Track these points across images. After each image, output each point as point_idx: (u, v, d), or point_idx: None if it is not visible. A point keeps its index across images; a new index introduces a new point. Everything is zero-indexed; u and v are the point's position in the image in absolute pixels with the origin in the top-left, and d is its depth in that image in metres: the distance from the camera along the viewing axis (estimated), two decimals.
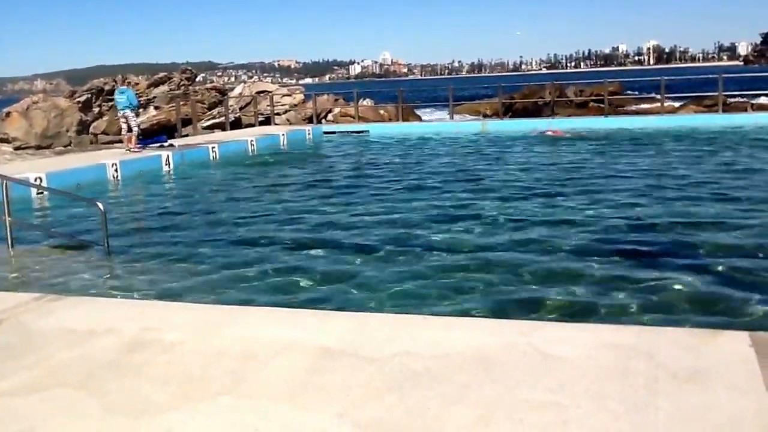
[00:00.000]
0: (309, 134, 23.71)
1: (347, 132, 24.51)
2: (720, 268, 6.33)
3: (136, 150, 17.40)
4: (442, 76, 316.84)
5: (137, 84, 30.39)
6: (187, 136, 24.00)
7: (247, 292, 6.26)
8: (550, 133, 20.58)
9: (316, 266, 6.99)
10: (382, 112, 30.00)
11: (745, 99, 27.40)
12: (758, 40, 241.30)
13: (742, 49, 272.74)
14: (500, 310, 5.36)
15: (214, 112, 29.43)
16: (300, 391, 3.29)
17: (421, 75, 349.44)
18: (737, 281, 5.94)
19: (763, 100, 28.47)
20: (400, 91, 27.87)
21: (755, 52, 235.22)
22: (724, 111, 23.46)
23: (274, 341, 3.94)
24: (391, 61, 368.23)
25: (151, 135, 21.95)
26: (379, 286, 6.23)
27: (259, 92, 30.82)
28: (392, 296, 5.93)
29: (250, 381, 3.43)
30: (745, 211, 8.73)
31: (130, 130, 17.86)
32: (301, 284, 6.44)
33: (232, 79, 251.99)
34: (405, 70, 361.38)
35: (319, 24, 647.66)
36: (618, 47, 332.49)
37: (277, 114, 28.67)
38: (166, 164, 16.55)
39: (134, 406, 3.21)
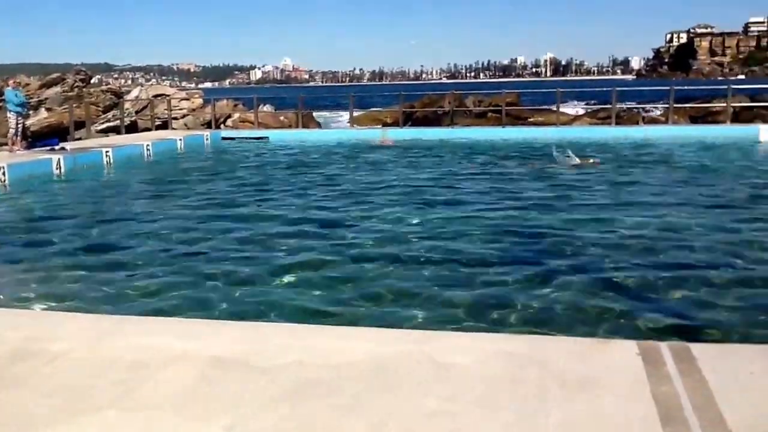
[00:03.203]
0: (207, 139, 23.25)
1: (246, 138, 24.18)
2: (608, 276, 6.58)
3: (20, 152, 16.67)
4: (344, 84, 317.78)
5: (28, 84, 28.87)
6: (80, 139, 23.05)
7: (135, 300, 6.05)
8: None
9: (210, 273, 6.84)
10: (282, 118, 29.79)
11: (637, 112, 28.84)
12: (650, 54, 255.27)
13: (635, 64, 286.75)
14: (381, 319, 5.37)
15: (109, 115, 28.34)
16: (189, 402, 3.19)
17: (323, 82, 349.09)
18: (626, 290, 6.19)
19: (654, 113, 30.03)
20: (301, 98, 27.78)
21: (647, 67, 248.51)
22: (617, 123, 24.63)
23: (165, 351, 3.81)
24: (293, 67, 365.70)
25: (42, 138, 20.97)
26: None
27: (156, 95, 29.95)
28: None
29: (138, 392, 3.31)
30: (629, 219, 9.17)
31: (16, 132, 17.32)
32: (191, 293, 6.27)
33: (129, 81, 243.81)
34: (306, 76, 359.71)
35: (220, 28, 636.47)
36: (516, 59, 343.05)
37: (175, 118, 27.96)
38: (57, 168, 15.81)
39: (15, 419, 3.02)
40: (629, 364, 3.50)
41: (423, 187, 12.45)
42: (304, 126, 27.25)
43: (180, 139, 21.54)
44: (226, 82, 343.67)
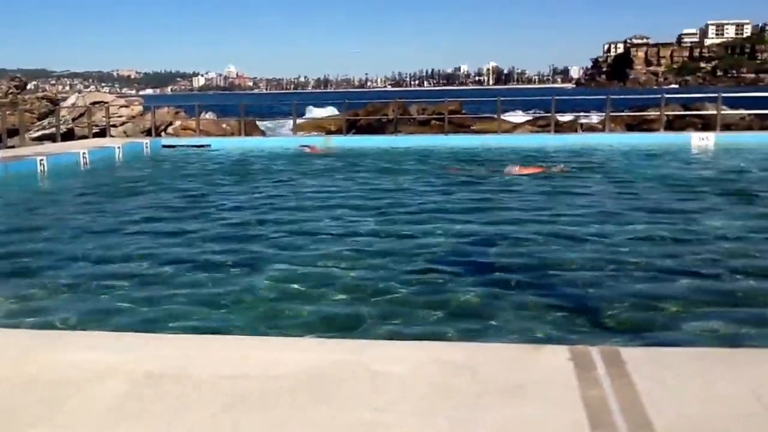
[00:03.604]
0: (147, 147, 22.85)
1: (188, 146, 23.85)
2: (544, 282, 6.71)
3: None
4: (288, 91, 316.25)
5: None
6: (13, 147, 22.39)
7: (64, 313, 5.89)
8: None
9: (140, 285, 6.73)
10: (224, 125, 29.47)
11: (575, 120, 29.49)
12: (589, 64, 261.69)
13: (575, 73, 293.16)
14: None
15: (45, 122, 27.58)
16: (121, 419, 3.10)
17: (267, 89, 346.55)
18: (559, 295, 6.31)
19: (593, 120, 30.70)
20: (243, 105, 27.55)
21: (586, 76, 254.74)
22: (556, 131, 25.14)
23: (95, 366, 3.70)
24: (237, 75, 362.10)
25: None
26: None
27: (94, 103, 29.28)
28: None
29: (66, 410, 3.20)
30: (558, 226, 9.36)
31: None
32: (121, 305, 6.15)
33: (68, 87, 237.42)
34: (250, 83, 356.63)
35: (162, 34, 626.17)
36: (460, 67, 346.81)
37: (114, 126, 27.39)
38: None
39: None
40: (561, 369, 3.54)
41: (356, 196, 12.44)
42: (247, 134, 27.02)
43: (118, 147, 21.11)
44: (168, 89, 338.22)
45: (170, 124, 28.70)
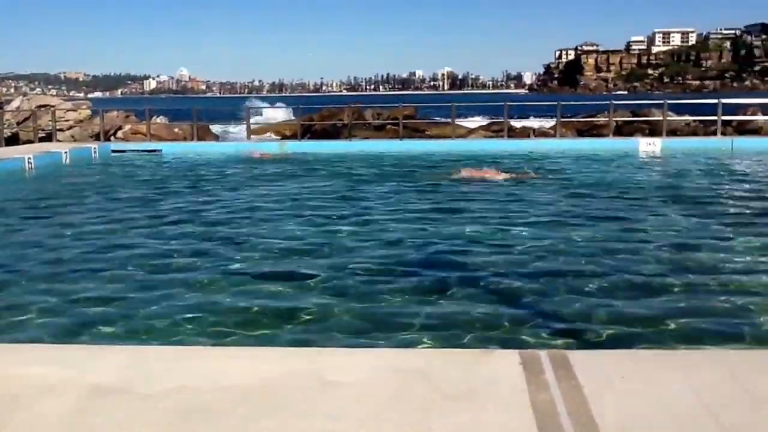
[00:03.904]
0: (95, 152, 22.39)
1: (137, 150, 23.46)
2: (493, 288, 6.78)
3: None
4: (242, 95, 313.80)
5: None
6: None
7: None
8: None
9: (87, 295, 6.60)
10: (177, 130, 29.07)
11: (529, 125, 29.95)
12: (541, 70, 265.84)
13: (528, 78, 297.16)
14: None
15: None
16: None
17: (221, 93, 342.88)
18: (510, 301, 6.38)
19: (545, 125, 31.17)
20: (195, 110, 27.24)
21: (539, 82, 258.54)
22: (509, 136, 25.45)
23: (38, 381, 3.60)
24: (189, 78, 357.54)
25: None
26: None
27: (40, 106, 28.60)
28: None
29: (10, 427, 3.12)
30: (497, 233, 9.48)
31: None
32: (60, 318, 6.00)
33: (12, 90, 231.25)
34: (203, 87, 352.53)
35: (111, 35, 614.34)
36: (415, 72, 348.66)
37: (61, 130, 26.80)
38: None
39: None
40: (511, 373, 3.60)
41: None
42: (200, 138, 26.66)
43: (65, 152, 20.65)
44: (118, 92, 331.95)
45: (120, 128, 28.18)
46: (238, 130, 36.22)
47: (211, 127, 31.52)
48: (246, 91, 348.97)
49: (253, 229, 9.96)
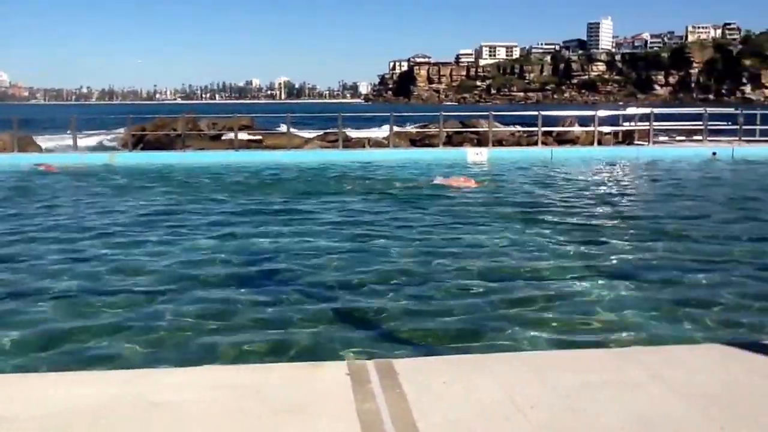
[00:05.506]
0: None
1: None
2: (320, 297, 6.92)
3: None
4: (69, 102, 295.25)
5: None
6: None
7: None
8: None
9: None
10: None
11: (365, 136, 30.49)
12: (377, 80, 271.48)
13: (363, 89, 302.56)
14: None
15: None
16: None
17: (45, 100, 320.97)
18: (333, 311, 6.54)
19: (380, 135, 31.89)
20: (16, 119, 25.36)
21: (374, 92, 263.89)
22: (345, 147, 25.81)
23: None
24: (9, 83, 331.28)
25: None
26: None
27: None
28: None
29: None
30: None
31: None
32: None
33: None
34: (26, 93, 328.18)
35: None
36: (252, 81, 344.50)
37: None
38: None
39: None
40: (340, 384, 3.73)
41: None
42: (22, 150, 24.82)
43: None
44: None
45: None
46: (64, 140, 34.07)
47: (36, 138, 29.26)
48: (73, 98, 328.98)
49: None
